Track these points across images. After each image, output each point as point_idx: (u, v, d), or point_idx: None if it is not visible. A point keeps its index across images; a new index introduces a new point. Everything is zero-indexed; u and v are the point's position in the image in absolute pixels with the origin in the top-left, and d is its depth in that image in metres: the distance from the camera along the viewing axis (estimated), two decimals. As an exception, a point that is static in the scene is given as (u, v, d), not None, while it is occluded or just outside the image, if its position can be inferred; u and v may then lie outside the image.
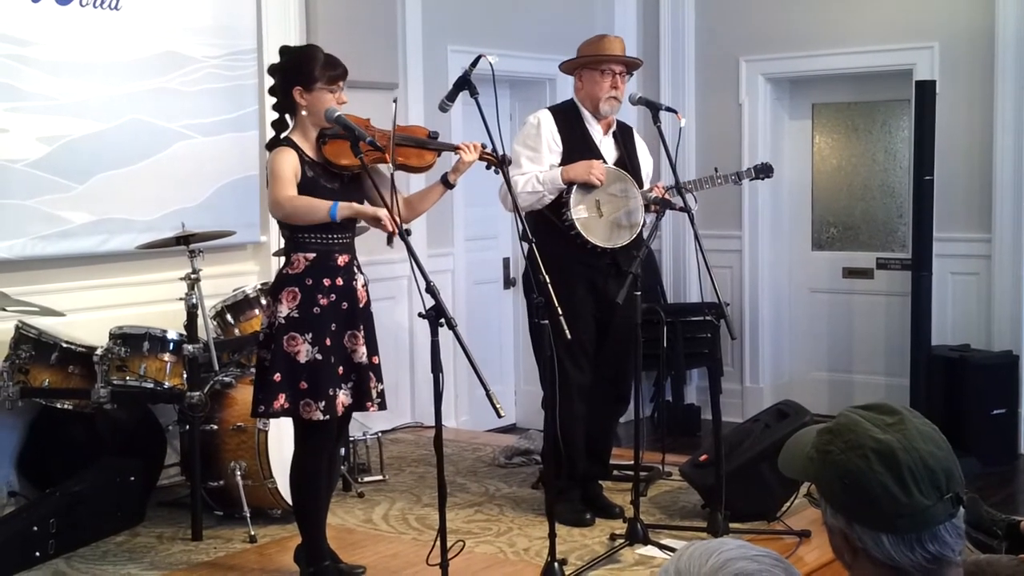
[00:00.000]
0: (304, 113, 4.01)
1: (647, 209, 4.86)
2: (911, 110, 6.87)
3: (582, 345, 4.76)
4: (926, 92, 6.60)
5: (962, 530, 1.66)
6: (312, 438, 4.04)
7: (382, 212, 3.84)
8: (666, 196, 4.78)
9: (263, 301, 5.04)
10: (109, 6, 5.24)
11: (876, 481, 1.62)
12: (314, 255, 3.98)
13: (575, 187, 4.75)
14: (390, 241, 3.97)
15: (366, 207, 3.93)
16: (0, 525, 4.39)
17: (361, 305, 4.09)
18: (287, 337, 3.94)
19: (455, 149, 4.23)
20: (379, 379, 4.14)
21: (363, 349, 4.06)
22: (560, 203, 4.76)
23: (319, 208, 3.88)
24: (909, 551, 1.62)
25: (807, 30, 7.47)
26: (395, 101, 4.10)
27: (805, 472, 1.73)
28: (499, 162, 4.22)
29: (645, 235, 4.78)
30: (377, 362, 4.14)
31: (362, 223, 4.12)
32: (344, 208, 3.86)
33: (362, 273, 4.13)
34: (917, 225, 6.65)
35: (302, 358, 3.93)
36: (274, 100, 4.13)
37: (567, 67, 5.04)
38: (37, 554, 4.33)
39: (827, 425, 1.72)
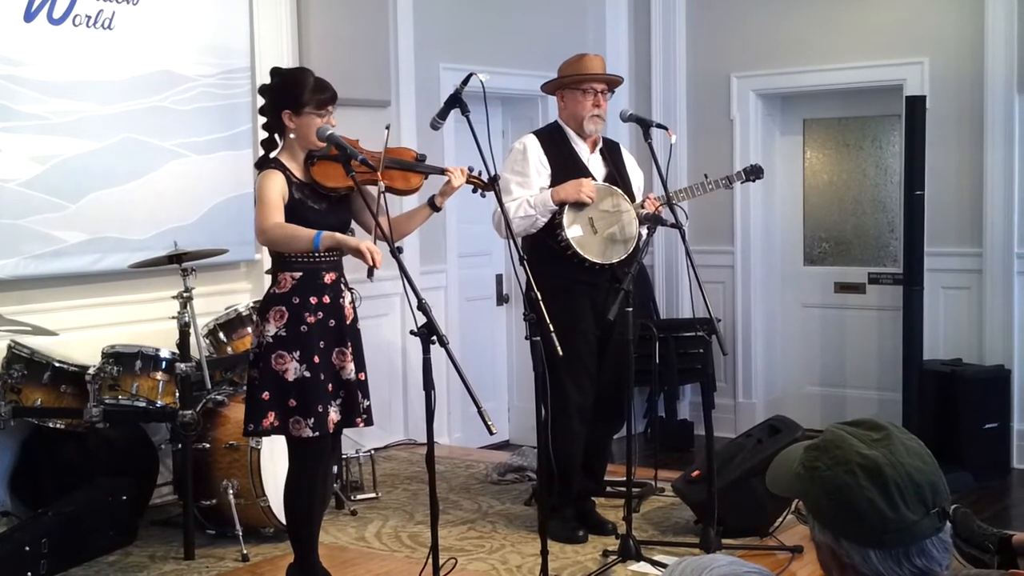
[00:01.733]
0: (292, 136, 4.02)
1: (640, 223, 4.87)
2: (901, 125, 6.90)
3: (584, 365, 4.78)
4: (916, 107, 6.62)
5: (949, 544, 1.66)
6: (304, 456, 4.05)
7: (363, 245, 3.81)
8: (658, 210, 4.78)
9: (255, 319, 5.06)
10: (102, 25, 5.25)
11: (863, 497, 1.62)
12: (300, 274, 3.99)
13: (567, 207, 4.76)
14: (370, 274, 3.95)
15: (349, 238, 3.91)
16: (-8, 545, 4.38)
17: (348, 322, 4.10)
18: (275, 356, 3.95)
19: (443, 172, 4.25)
20: (366, 395, 4.15)
21: (351, 366, 4.07)
22: (554, 225, 4.77)
23: (302, 237, 3.86)
24: (896, 566, 1.62)
25: (798, 46, 7.50)
26: (388, 128, 4.12)
27: (792, 489, 1.74)
28: (485, 185, 4.24)
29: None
30: (364, 378, 4.15)
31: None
32: (327, 238, 3.84)
33: (349, 290, 4.15)
34: (908, 240, 6.67)
35: (290, 376, 3.94)
36: (264, 120, 4.14)
37: (549, 88, 5.06)
38: (29, 574, 4.31)
39: (814, 442, 1.73)
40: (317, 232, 3.84)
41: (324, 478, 4.19)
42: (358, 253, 3.81)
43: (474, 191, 4.33)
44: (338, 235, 3.88)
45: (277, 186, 3.94)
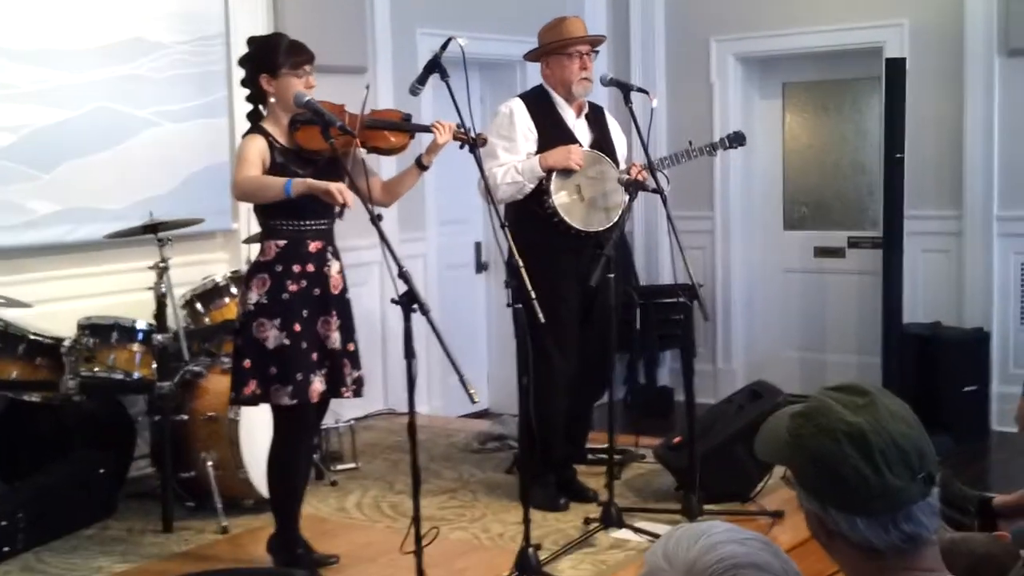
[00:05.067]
0: (272, 100, 4.03)
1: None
2: (881, 88, 6.87)
3: (567, 332, 4.75)
4: (896, 70, 6.59)
5: (937, 508, 1.65)
6: (286, 424, 4.05)
7: (333, 186, 3.84)
8: (640, 177, 4.73)
9: (234, 290, 5.03)
10: (74, -9, 5.17)
11: (848, 464, 1.61)
12: (285, 242, 3.99)
13: (555, 173, 4.72)
14: (340, 214, 3.99)
15: (318, 182, 3.90)
16: (-32, 520, 4.34)
17: (336, 292, 4.08)
18: (256, 323, 3.96)
19: (428, 130, 4.22)
20: (355, 366, 4.13)
21: (336, 335, 4.05)
22: (540, 191, 4.73)
23: (272, 185, 3.89)
24: (884, 532, 1.62)
25: (777, 9, 7.46)
26: (367, 87, 4.09)
27: (780, 456, 1.73)
28: (472, 141, 4.20)
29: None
30: (353, 349, 4.14)
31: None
32: (298, 184, 3.86)
33: (338, 259, 4.12)
34: (888, 203, 6.65)
35: (270, 344, 3.94)
36: (247, 92, 4.13)
37: (532, 56, 5.02)
38: (6, 548, 4.30)
39: (799, 409, 1.72)
40: (287, 180, 3.85)
41: (308, 448, 4.18)
42: (327, 194, 3.84)
43: (461, 147, 4.28)
44: (308, 180, 3.88)
45: (255, 148, 3.97)
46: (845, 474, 1.61)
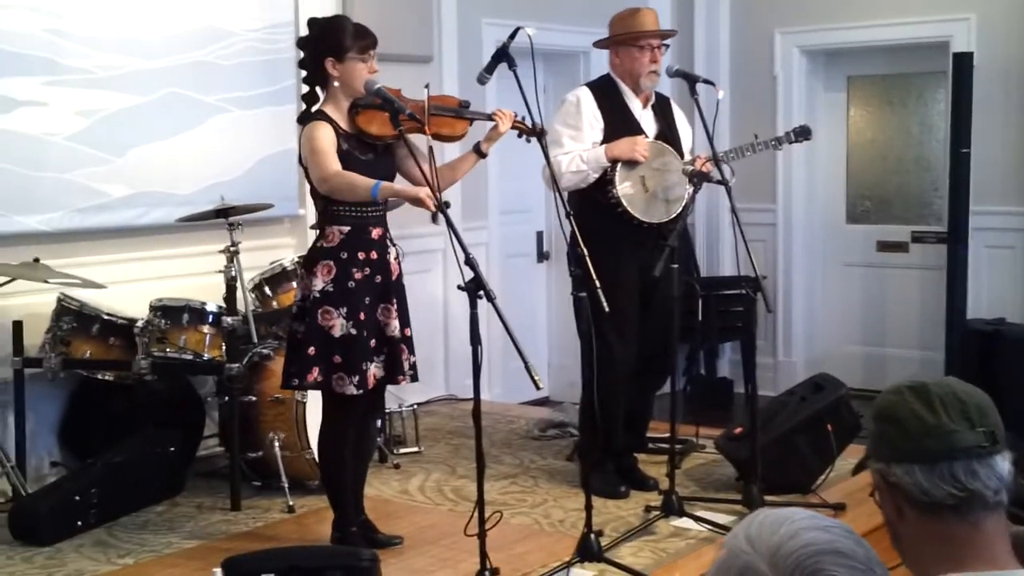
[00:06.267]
0: (336, 84, 4.01)
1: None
2: (947, 82, 6.81)
3: (628, 322, 4.77)
4: (963, 64, 6.54)
5: (1004, 477, 1.64)
6: (341, 411, 4.06)
7: (423, 192, 3.78)
8: (704, 168, 4.73)
9: (299, 273, 5.09)
10: (147, -21, 5.26)
11: (906, 407, 1.66)
12: (349, 228, 3.99)
13: (619, 164, 4.74)
14: (434, 219, 3.96)
15: (407, 187, 3.90)
16: (43, 494, 4.45)
17: (394, 278, 4.11)
18: (322, 311, 3.95)
19: (489, 118, 4.23)
20: (411, 351, 4.15)
21: (395, 322, 4.07)
22: (605, 181, 4.75)
23: (360, 186, 3.85)
24: (941, 480, 1.62)
25: (842, 2, 7.42)
26: (427, 87, 4.12)
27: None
28: (532, 131, 4.21)
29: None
30: (409, 334, 4.15)
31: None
32: (385, 189, 3.83)
33: (395, 245, 4.15)
34: (953, 198, 6.61)
35: (336, 332, 3.95)
36: (304, 73, 4.12)
37: (603, 44, 5.03)
38: (79, 523, 4.40)
39: None
40: (376, 183, 3.83)
41: (363, 430, 4.20)
42: (418, 201, 3.80)
43: (519, 136, 4.29)
44: (395, 185, 3.90)
45: (328, 138, 3.93)
46: (902, 416, 1.66)
